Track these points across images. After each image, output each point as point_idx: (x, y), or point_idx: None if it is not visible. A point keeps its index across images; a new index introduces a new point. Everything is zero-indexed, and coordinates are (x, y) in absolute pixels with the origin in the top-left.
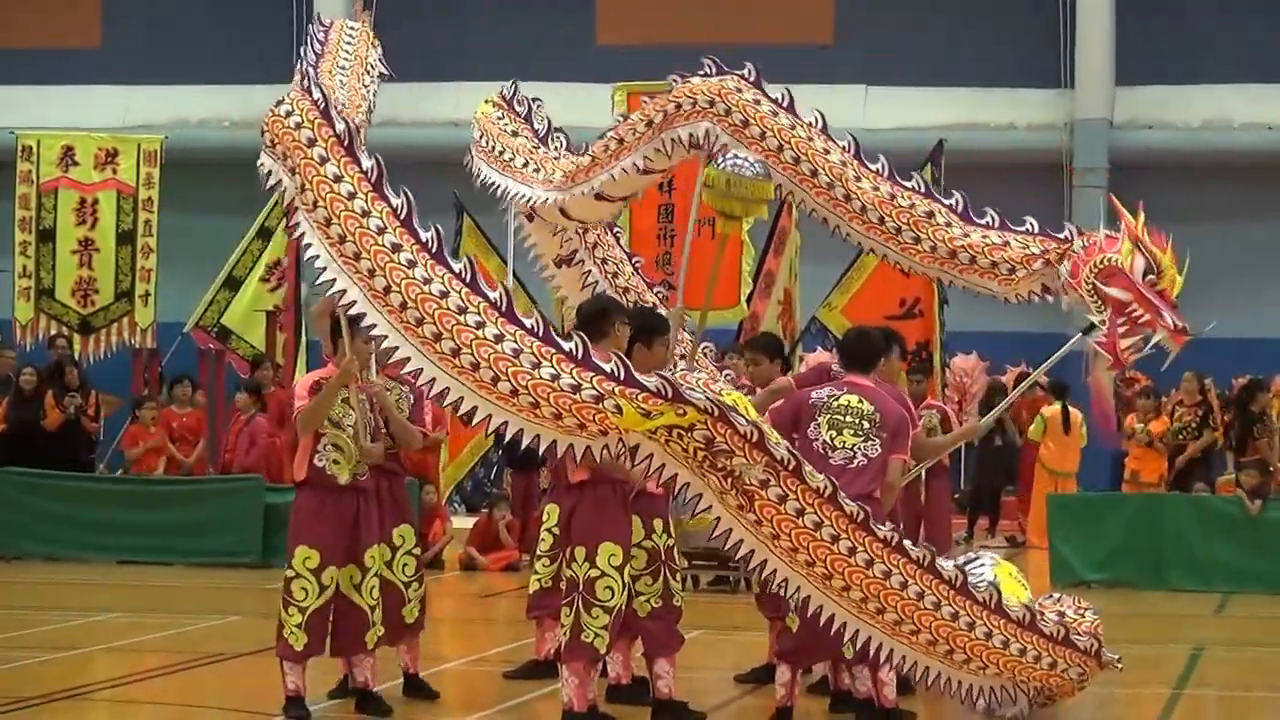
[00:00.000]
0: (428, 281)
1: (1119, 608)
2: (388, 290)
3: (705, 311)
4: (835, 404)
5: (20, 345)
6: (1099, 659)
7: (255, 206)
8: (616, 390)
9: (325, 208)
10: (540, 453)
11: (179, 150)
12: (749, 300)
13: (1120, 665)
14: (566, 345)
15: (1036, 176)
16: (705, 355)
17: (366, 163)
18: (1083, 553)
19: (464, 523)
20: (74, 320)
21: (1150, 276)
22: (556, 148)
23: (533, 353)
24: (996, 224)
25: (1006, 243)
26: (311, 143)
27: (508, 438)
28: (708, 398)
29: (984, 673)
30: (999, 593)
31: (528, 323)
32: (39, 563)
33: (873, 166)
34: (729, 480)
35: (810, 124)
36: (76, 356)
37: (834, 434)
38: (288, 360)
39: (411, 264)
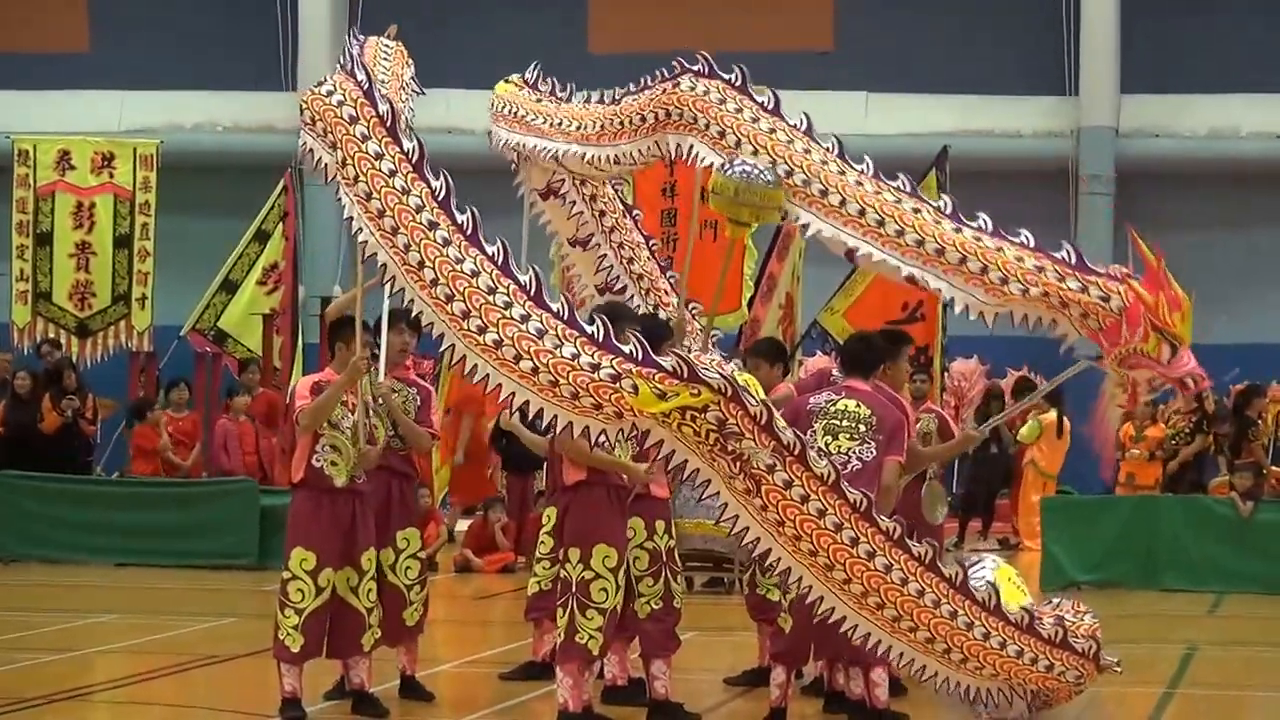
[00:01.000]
0: (460, 261)
1: (1111, 608)
2: (421, 265)
3: (711, 317)
4: (832, 409)
5: (18, 348)
6: (1097, 662)
7: (251, 210)
8: (634, 370)
9: (366, 182)
10: (556, 433)
11: (175, 154)
12: (750, 304)
13: (1120, 668)
14: (590, 328)
15: (1042, 184)
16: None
17: (408, 144)
18: (1075, 554)
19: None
20: (71, 323)
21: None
22: (578, 101)
23: (556, 334)
24: (1031, 244)
25: (1021, 259)
26: (354, 120)
27: (530, 415)
28: (722, 376)
29: (981, 673)
30: (997, 594)
31: (554, 306)
32: (36, 565)
33: (857, 166)
34: (738, 464)
35: (794, 126)
36: (74, 360)
37: (829, 439)
38: (285, 363)
39: (446, 242)
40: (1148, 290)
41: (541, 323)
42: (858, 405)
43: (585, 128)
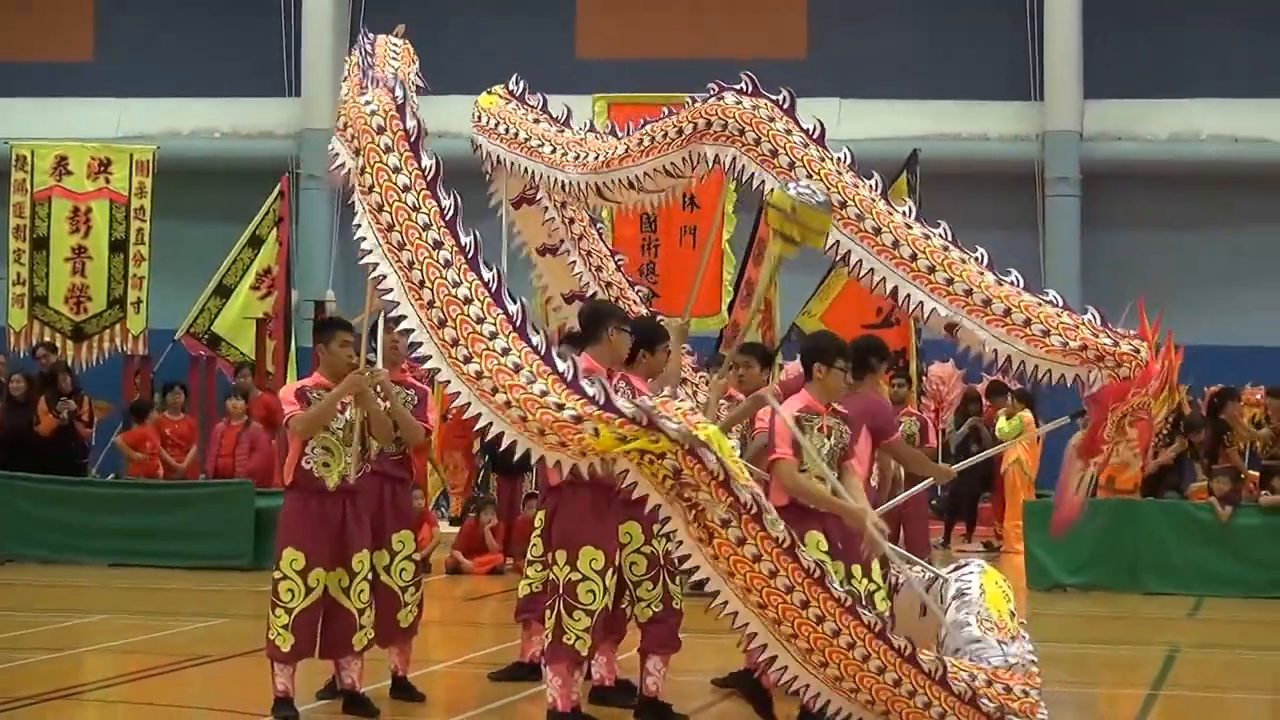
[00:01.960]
0: (456, 285)
1: (1095, 610)
2: (422, 285)
3: (687, 321)
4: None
5: (14, 352)
6: None
7: (246, 215)
8: (595, 414)
9: (380, 194)
10: (532, 462)
11: (171, 160)
12: (730, 309)
13: None
14: (561, 365)
15: (1009, 186)
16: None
17: (427, 161)
18: (1059, 557)
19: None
20: (67, 327)
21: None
22: (580, 129)
23: (530, 370)
24: (1060, 302)
25: (1059, 313)
26: (380, 130)
27: (502, 447)
28: (679, 429)
29: None
30: (944, 667)
31: (535, 340)
32: (32, 565)
33: (900, 208)
34: (693, 512)
35: (840, 159)
36: (70, 363)
37: None
38: (278, 367)
39: (447, 264)
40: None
41: (520, 358)
42: None
43: (600, 156)
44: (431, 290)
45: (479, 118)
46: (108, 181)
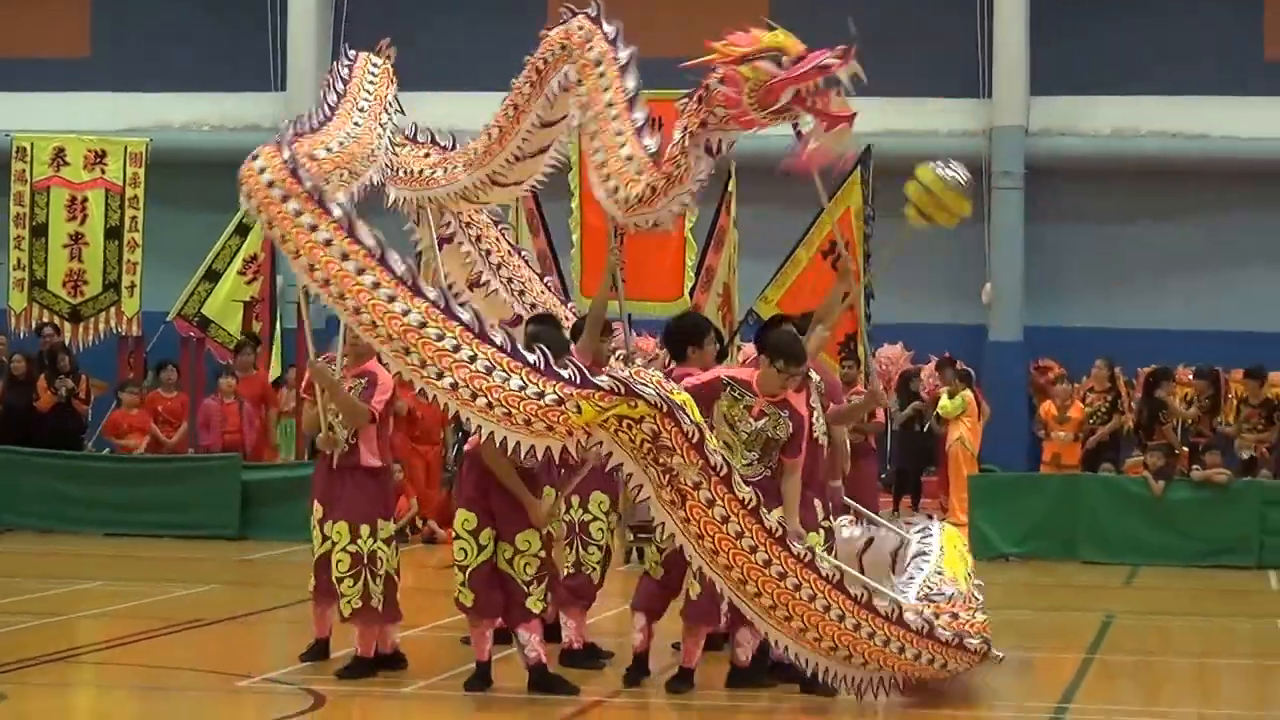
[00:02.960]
0: (406, 313)
1: (1037, 579)
2: (374, 325)
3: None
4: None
5: (15, 333)
6: (965, 649)
7: (233, 204)
8: (575, 393)
9: (306, 255)
10: (521, 456)
11: (163, 152)
12: (691, 293)
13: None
14: (531, 357)
15: None
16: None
17: (338, 211)
18: (1001, 529)
19: None
20: (64, 309)
21: (779, 60)
22: (423, 143)
23: (503, 368)
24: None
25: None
26: (285, 198)
27: (497, 444)
28: (658, 394)
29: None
30: (899, 608)
31: (498, 339)
32: (31, 535)
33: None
34: (666, 476)
35: (615, 60)
36: (67, 343)
37: None
38: (263, 348)
39: (391, 298)
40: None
41: (489, 359)
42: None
43: (479, 150)
44: (384, 326)
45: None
46: (103, 172)
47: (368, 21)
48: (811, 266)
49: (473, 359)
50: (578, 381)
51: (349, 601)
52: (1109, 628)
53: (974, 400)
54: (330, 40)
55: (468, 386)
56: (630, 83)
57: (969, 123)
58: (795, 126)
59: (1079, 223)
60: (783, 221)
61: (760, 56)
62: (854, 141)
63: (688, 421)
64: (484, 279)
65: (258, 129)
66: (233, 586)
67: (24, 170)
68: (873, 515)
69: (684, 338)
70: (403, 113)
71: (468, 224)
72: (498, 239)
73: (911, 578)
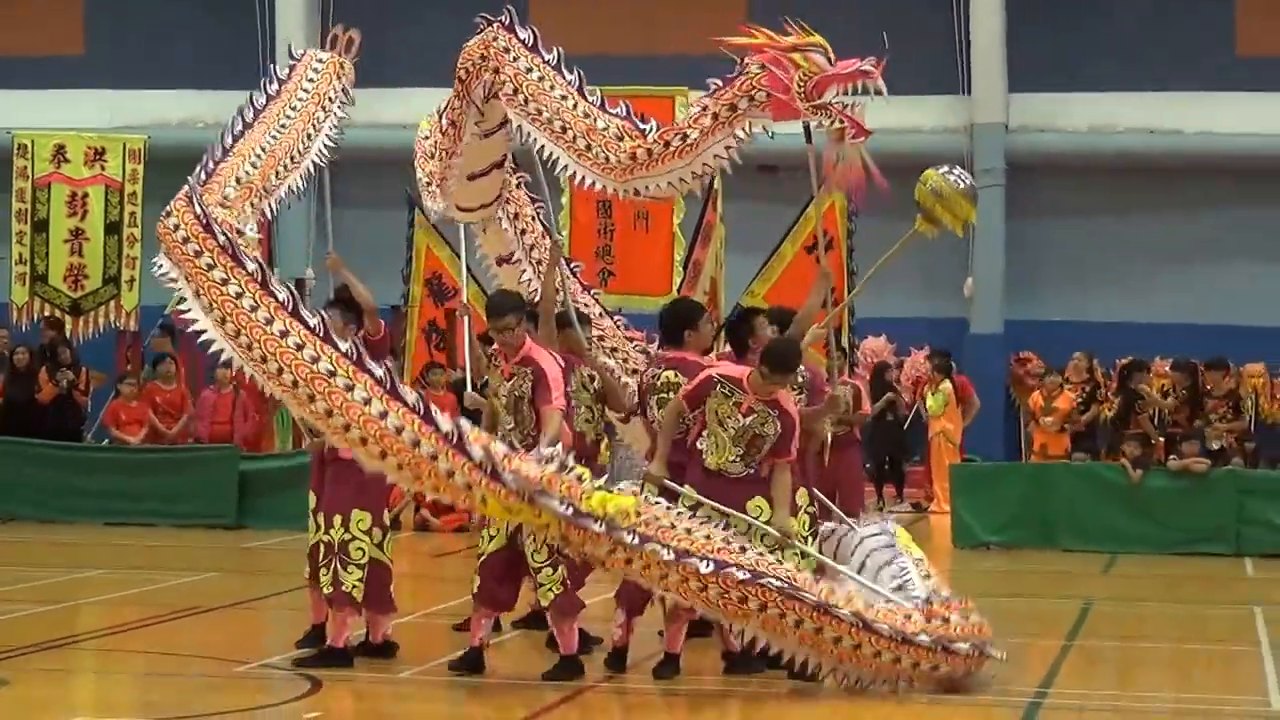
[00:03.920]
0: (315, 360)
1: (1017, 567)
2: (280, 372)
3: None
4: (658, 383)
5: (17, 326)
6: (954, 653)
7: None
8: (482, 482)
9: (219, 309)
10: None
11: (161, 149)
12: (679, 289)
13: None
14: (445, 425)
15: None
16: (619, 326)
17: (251, 265)
18: (982, 517)
19: None
20: (65, 303)
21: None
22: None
23: (413, 430)
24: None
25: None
26: (199, 254)
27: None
28: (561, 508)
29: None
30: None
31: (410, 399)
32: (32, 523)
33: (568, 77)
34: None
35: (545, 62)
36: (68, 336)
37: (659, 412)
38: None
39: (300, 346)
40: (761, 55)
41: (399, 419)
42: (675, 375)
43: (435, 174)
44: (292, 372)
45: (423, 137)
46: (103, 168)
47: (357, 17)
48: (797, 261)
49: (384, 415)
50: (488, 470)
51: (324, 587)
52: (1088, 614)
53: (953, 393)
54: (318, 36)
55: (378, 443)
56: (569, 75)
57: (950, 120)
58: (807, 126)
59: (1058, 218)
60: (768, 217)
61: (810, 49)
62: (859, 153)
63: (596, 526)
64: (515, 258)
65: None
66: (231, 574)
67: (25, 167)
68: (838, 512)
69: (680, 322)
70: (353, 104)
71: (506, 200)
72: (532, 219)
73: (906, 575)
